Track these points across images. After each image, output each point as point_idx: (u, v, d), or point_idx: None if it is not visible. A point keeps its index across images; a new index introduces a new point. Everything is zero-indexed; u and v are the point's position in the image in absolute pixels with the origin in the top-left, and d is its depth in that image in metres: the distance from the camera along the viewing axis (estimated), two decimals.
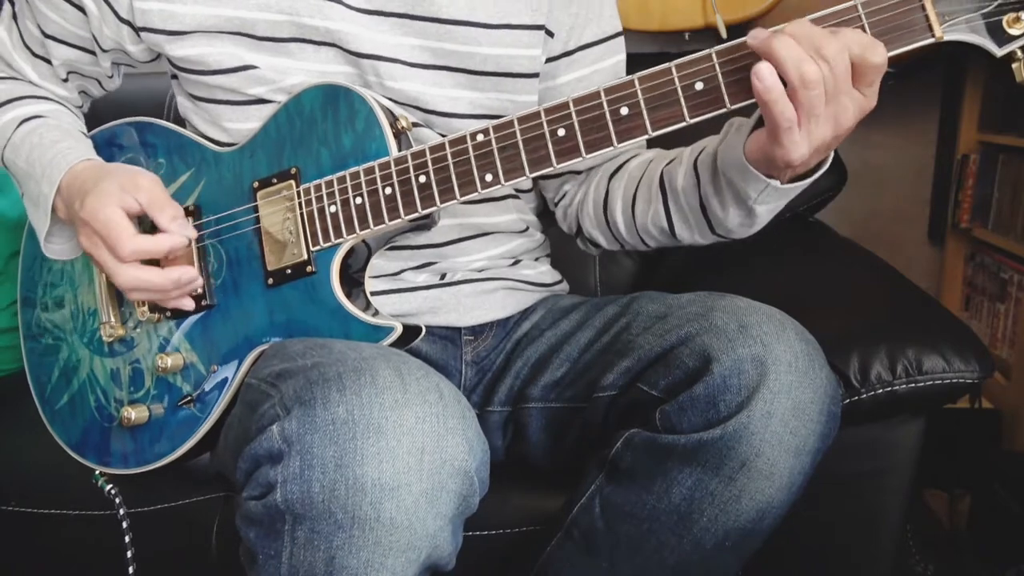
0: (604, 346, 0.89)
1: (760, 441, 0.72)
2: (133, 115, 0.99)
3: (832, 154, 0.77)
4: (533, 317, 1.01)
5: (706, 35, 1.62)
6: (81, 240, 0.85)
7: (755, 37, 0.69)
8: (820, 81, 0.67)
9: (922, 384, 0.91)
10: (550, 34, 0.93)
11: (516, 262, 1.02)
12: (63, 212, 0.89)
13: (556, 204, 1.06)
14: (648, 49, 1.64)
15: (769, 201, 0.80)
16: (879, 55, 0.67)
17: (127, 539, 0.93)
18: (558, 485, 0.90)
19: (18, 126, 0.93)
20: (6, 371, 1.21)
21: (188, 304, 0.87)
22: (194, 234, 0.87)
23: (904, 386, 0.91)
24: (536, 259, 1.06)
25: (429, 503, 0.65)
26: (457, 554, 0.71)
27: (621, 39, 0.99)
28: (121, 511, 0.93)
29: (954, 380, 0.91)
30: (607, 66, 0.98)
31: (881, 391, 0.91)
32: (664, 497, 0.77)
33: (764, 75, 0.67)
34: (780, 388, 0.73)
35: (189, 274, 0.85)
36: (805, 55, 0.66)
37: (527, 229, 1.03)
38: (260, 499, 0.67)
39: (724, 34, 1.56)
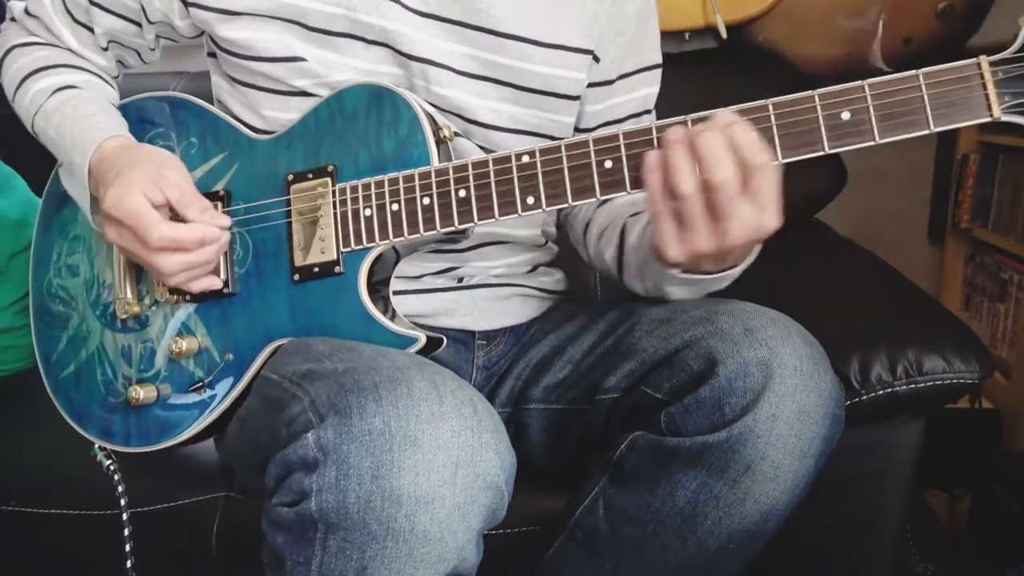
0: (607, 349, 0.89)
1: (765, 444, 0.72)
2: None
3: (752, 256, 0.79)
4: (538, 321, 1.01)
5: (706, 35, 1.62)
6: (109, 234, 0.83)
7: (668, 136, 0.71)
8: (692, 196, 0.69)
9: (922, 385, 0.91)
10: (596, 60, 0.93)
11: (533, 269, 1.02)
12: (92, 187, 0.88)
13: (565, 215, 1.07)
14: None
15: (679, 285, 0.82)
16: (760, 159, 0.68)
17: (124, 516, 0.92)
18: (559, 486, 0.90)
19: (52, 94, 0.92)
20: (7, 371, 1.21)
21: (216, 283, 0.85)
22: (228, 222, 0.85)
23: (904, 387, 0.91)
24: (552, 266, 1.06)
25: (461, 517, 0.65)
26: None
27: (658, 72, 0.99)
28: (120, 488, 0.92)
29: (954, 380, 0.91)
30: (639, 96, 0.98)
31: (881, 392, 0.91)
32: (668, 500, 0.77)
33: (647, 159, 0.72)
34: (785, 391, 0.73)
35: (212, 233, 0.82)
36: (686, 169, 0.69)
37: (546, 243, 1.04)
38: (292, 506, 0.67)
39: (724, 34, 1.57)
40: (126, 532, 0.92)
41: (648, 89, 0.98)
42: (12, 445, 1.06)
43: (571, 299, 1.07)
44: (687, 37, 1.64)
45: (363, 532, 0.63)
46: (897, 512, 1.00)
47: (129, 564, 0.92)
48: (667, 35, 1.63)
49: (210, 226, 0.83)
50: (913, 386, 0.91)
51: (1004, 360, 1.77)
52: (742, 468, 0.73)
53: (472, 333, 0.97)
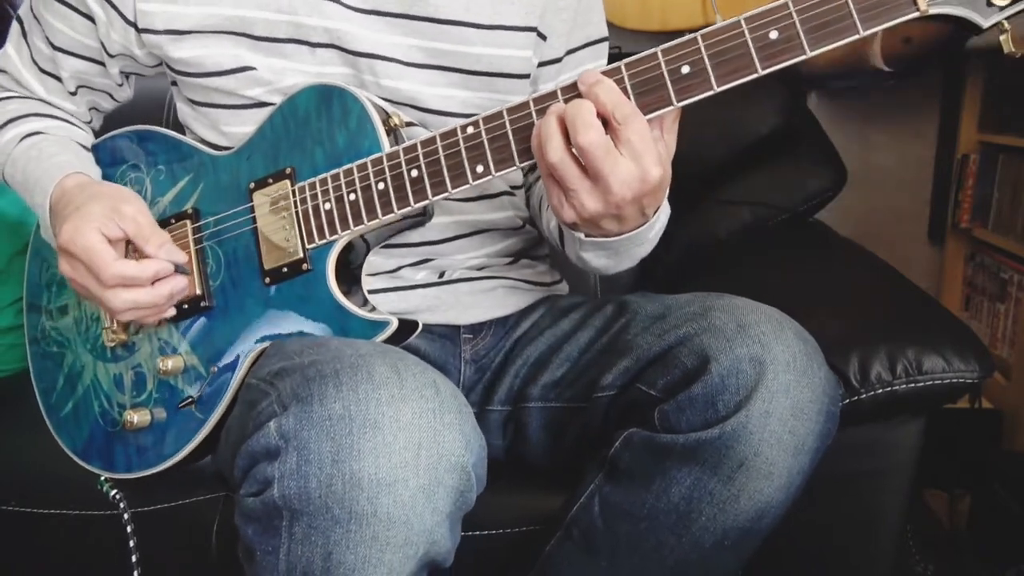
0: (603, 346, 0.89)
1: (759, 440, 0.73)
2: (134, 117, 1.00)
3: (664, 216, 0.81)
4: (533, 316, 1.01)
5: None
6: (62, 267, 0.84)
7: (546, 115, 0.73)
8: (560, 162, 0.71)
9: (922, 384, 0.91)
10: (543, 37, 0.93)
11: (515, 260, 1.02)
12: (55, 224, 0.88)
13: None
14: (647, 49, 1.65)
15: (591, 251, 0.83)
16: (621, 112, 0.70)
17: (131, 544, 0.92)
18: (557, 485, 0.90)
19: (19, 142, 0.93)
20: (8, 371, 1.21)
21: (170, 313, 0.87)
22: (184, 259, 0.86)
23: (904, 386, 0.91)
24: (535, 258, 1.06)
25: (426, 498, 0.65)
26: (455, 552, 0.71)
27: (605, 45, 1.00)
28: (126, 515, 0.92)
29: (954, 380, 0.91)
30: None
31: (881, 391, 0.91)
32: (663, 496, 0.77)
33: (534, 128, 0.73)
34: (778, 388, 0.73)
35: (179, 285, 0.85)
36: (553, 139, 0.71)
37: (523, 226, 1.04)
38: (258, 495, 0.67)
39: None
40: (133, 559, 0.93)
41: (596, 63, 0.99)
42: (12, 445, 1.06)
43: (558, 292, 1.07)
44: None
45: (326, 517, 0.64)
46: (897, 512, 1.00)
47: (135, 570, 0.92)
48: (667, 35, 1.64)
49: (164, 262, 0.84)
50: (913, 385, 0.91)
51: (1004, 360, 1.77)
52: (736, 465, 0.73)
53: (457, 328, 0.98)
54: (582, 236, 0.80)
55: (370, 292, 0.88)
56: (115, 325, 0.93)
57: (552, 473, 0.93)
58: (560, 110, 0.72)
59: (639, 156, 0.70)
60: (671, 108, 0.73)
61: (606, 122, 0.70)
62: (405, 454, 0.64)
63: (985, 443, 1.65)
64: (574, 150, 0.71)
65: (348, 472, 0.63)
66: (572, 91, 0.74)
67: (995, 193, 1.84)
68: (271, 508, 0.66)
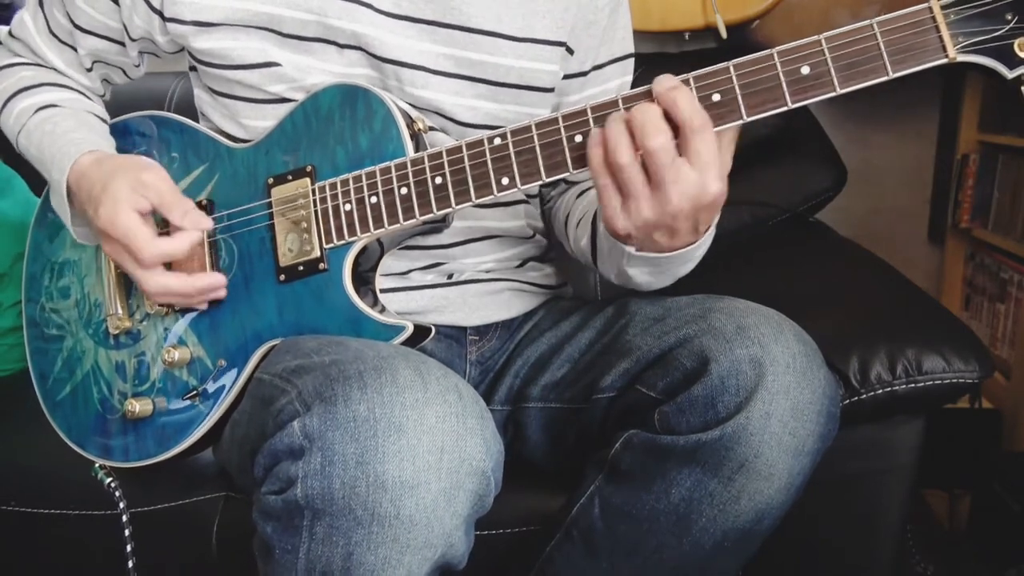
0: (603, 347, 0.89)
1: (759, 442, 0.73)
2: (135, 110, 0.99)
3: (710, 237, 0.79)
4: (534, 317, 1.01)
5: (706, 35, 1.62)
6: (106, 249, 0.86)
7: (610, 120, 0.72)
8: (629, 166, 0.70)
9: (922, 384, 0.91)
10: (570, 51, 0.94)
11: (523, 264, 1.02)
12: (76, 202, 0.89)
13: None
14: (647, 49, 1.64)
15: (638, 266, 0.82)
16: (698, 121, 0.69)
17: (127, 532, 0.92)
18: (558, 485, 0.90)
19: (34, 113, 0.94)
20: (9, 371, 1.22)
21: (203, 305, 0.88)
22: (210, 224, 0.87)
23: (904, 386, 0.91)
24: (542, 261, 1.06)
25: (447, 502, 0.66)
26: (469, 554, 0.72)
27: (631, 61, 1.00)
28: (121, 504, 0.92)
29: (954, 380, 0.92)
30: (613, 87, 0.99)
31: (881, 391, 0.91)
32: (663, 498, 0.77)
33: (591, 135, 0.73)
34: (778, 389, 0.73)
35: (217, 282, 0.86)
36: (623, 142, 0.70)
37: (534, 235, 1.04)
38: (279, 494, 0.67)
39: (724, 34, 1.56)
40: (128, 548, 0.92)
41: (621, 79, 0.99)
42: (12, 445, 1.06)
43: (563, 295, 1.07)
44: (687, 37, 1.64)
45: (349, 518, 0.64)
46: (897, 512, 1.00)
47: (131, 564, 0.92)
48: (667, 35, 1.64)
49: (195, 233, 0.84)
50: (913, 385, 0.91)
51: (1004, 360, 1.77)
52: (736, 466, 0.73)
53: (464, 329, 0.98)
54: (632, 250, 0.79)
55: (379, 291, 0.88)
56: (120, 312, 0.92)
57: (552, 474, 0.93)
58: (624, 116, 0.71)
59: (705, 168, 0.70)
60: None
61: (676, 129, 0.70)
62: (428, 457, 0.65)
63: (985, 443, 1.65)
64: (640, 155, 0.70)
65: (372, 474, 0.63)
66: (632, 101, 0.73)
67: (995, 193, 1.84)
68: (293, 507, 0.66)
